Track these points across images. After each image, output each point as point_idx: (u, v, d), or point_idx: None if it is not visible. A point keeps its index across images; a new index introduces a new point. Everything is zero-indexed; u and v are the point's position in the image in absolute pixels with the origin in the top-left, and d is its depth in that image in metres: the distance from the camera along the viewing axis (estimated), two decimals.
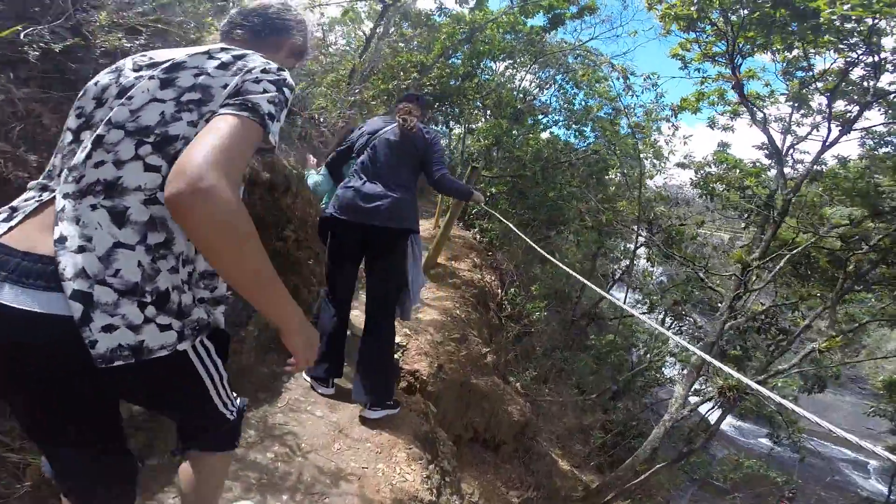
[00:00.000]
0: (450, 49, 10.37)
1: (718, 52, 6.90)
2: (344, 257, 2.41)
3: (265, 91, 0.89)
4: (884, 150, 7.05)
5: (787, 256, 5.61)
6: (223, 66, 0.91)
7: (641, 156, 10.87)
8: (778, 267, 5.62)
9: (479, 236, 10.04)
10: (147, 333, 0.83)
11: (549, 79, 10.15)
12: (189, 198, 0.72)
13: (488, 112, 10.71)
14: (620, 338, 13.94)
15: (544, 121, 10.62)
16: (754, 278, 5.75)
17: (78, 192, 0.84)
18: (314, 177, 3.19)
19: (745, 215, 8.35)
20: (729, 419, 8.39)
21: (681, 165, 9.12)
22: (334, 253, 2.39)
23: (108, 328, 0.80)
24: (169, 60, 0.93)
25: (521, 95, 10.56)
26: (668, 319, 13.63)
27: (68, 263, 0.79)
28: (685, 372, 8.57)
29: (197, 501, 1.19)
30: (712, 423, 6.98)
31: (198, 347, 0.95)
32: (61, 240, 0.80)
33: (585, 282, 2.36)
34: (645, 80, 9.14)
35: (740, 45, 5.65)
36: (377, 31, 8.28)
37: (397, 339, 4.01)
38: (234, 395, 1.15)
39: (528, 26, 9.96)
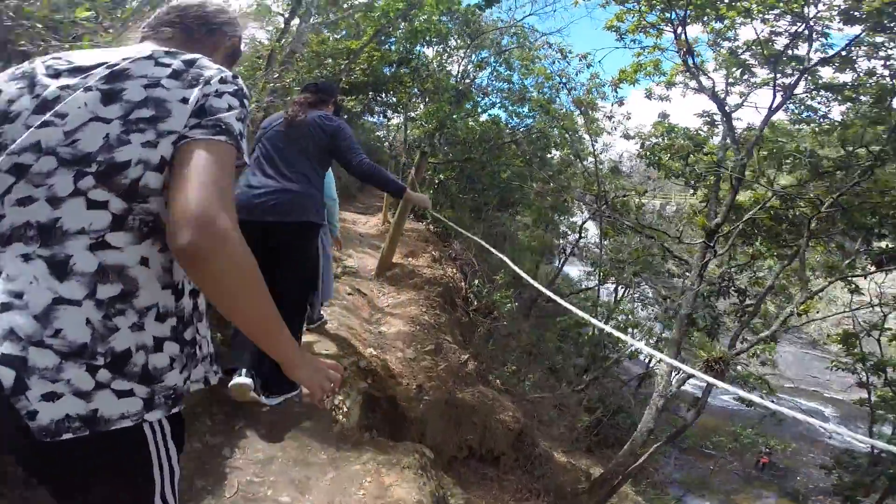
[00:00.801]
0: (382, 33, 9.65)
1: (651, 21, 6.77)
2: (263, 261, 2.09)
3: (230, 108, 0.82)
4: (806, 114, 7.34)
5: (749, 216, 5.64)
6: (176, 74, 0.81)
7: (580, 132, 10.81)
8: (738, 228, 5.64)
9: (432, 227, 9.56)
10: (100, 401, 0.71)
11: (485, 60, 9.72)
12: (207, 245, 0.69)
13: (427, 98, 10.13)
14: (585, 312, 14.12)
15: (484, 102, 10.22)
16: (719, 243, 5.73)
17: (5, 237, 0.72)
18: None
19: (693, 182, 8.43)
20: (694, 381, 8.63)
21: (626, 137, 9.10)
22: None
23: (50, 396, 0.68)
24: (102, 66, 0.81)
25: (460, 77, 10.07)
26: (620, 289, 14.01)
27: None
28: (663, 349, 8.68)
29: None
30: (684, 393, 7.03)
31: (155, 426, 0.79)
32: None
33: (526, 276, 1.96)
34: (581, 59, 8.92)
35: (686, 13, 5.49)
36: (297, 12, 7.39)
37: (362, 364, 3.46)
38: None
39: (462, 6, 9.45)
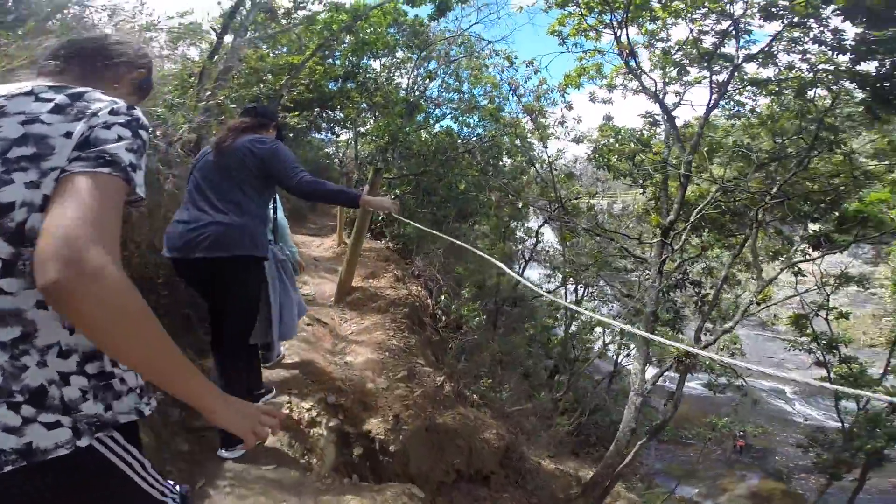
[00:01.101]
0: (326, 47, 9.39)
1: (591, 24, 6.94)
2: (205, 297, 2.18)
3: (120, 138, 0.77)
4: (736, 109, 7.77)
5: (699, 211, 5.82)
6: (58, 109, 0.76)
7: (531, 138, 10.95)
8: (690, 224, 5.82)
9: (391, 244, 9.29)
10: (32, 434, 0.73)
11: (434, 71, 9.67)
12: (73, 284, 0.64)
13: (377, 112, 9.94)
14: (545, 315, 14.29)
15: (435, 113, 10.16)
16: (675, 239, 5.88)
17: None
18: None
19: (641, 180, 8.68)
20: (666, 374, 8.89)
21: (576, 141, 9.29)
22: (201, 296, 2.18)
23: None
24: None
25: (410, 89, 9.95)
26: (580, 289, 14.28)
27: None
28: (633, 348, 8.78)
29: None
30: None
31: (103, 439, 0.81)
32: None
33: (516, 276, 1.83)
34: (528, 66, 9.04)
35: (626, 13, 5.65)
36: (230, 27, 7.01)
37: (331, 400, 3.17)
38: (171, 482, 1.03)
39: (409, 18, 9.36)
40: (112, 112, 0.78)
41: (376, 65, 10.68)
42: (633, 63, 6.19)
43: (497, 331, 10.07)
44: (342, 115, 11.01)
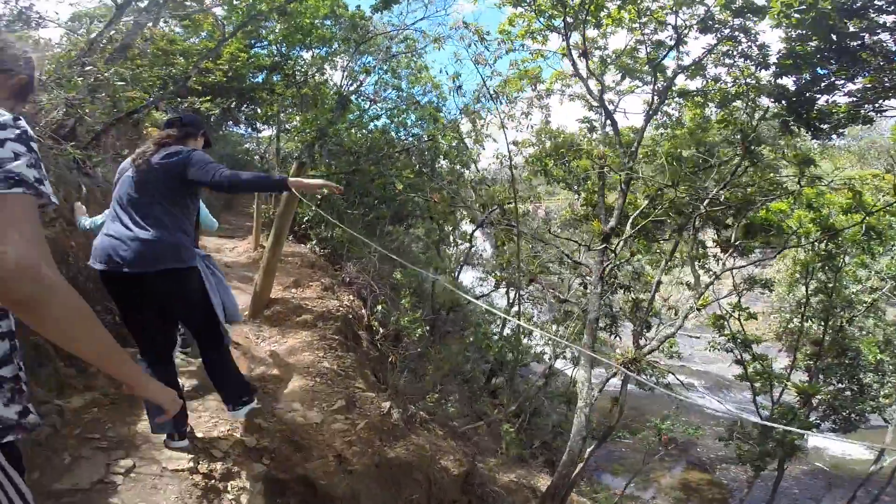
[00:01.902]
0: (252, 32, 8.45)
1: (538, 28, 6.83)
2: (133, 309, 2.16)
3: (17, 155, 0.82)
4: (663, 119, 8.12)
5: (643, 220, 5.89)
6: None
7: (467, 140, 10.74)
8: (636, 229, 5.87)
9: (318, 248, 8.51)
10: None
11: (371, 67, 9.04)
12: (40, 296, 0.76)
13: (305, 107, 9.12)
14: (479, 319, 14.16)
15: (371, 111, 9.55)
16: (618, 245, 5.89)
17: None
18: (83, 222, 2.85)
19: (576, 186, 8.76)
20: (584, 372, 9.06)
21: (514, 144, 9.18)
22: (122, 307, 2.17)
23: None
24: None
25: (344, 84, 9.22)
26: (512, 293, 14.36)
27: None
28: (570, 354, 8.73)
29: None
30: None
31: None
32: None
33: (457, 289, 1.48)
34: (453, 80, 8.66)
35: (585, 14, 5.55)
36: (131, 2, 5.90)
37: (250, 442, 2.55)
38: None
39: (349, 11, 8.66)
40: (2, 127, 0.82)
41: (307, 55, 9.84)
42: (581, 65, 6.13)
43: (436, 339, 9.67)
44: (262, 109, 10.05)
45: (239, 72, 9.12)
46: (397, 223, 10.17)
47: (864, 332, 9.96)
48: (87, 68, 4.52)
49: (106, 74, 4.38)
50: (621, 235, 5.77)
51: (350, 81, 9.23)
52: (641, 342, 6.43)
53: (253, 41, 9.67)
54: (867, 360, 8.99)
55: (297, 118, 8.91)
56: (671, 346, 6.95)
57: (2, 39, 0.99)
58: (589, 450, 5.46)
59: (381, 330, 6.01)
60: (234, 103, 9.74)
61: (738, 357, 7.75)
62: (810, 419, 8.27)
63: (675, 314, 6.58)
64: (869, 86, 5.56)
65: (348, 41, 8.82)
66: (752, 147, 6.20)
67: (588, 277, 7.41)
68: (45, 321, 0.78)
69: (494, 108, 7.34)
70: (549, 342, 10.66)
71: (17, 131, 0.83)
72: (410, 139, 9.33)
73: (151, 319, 2.16)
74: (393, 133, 9.18)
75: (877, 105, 5.78)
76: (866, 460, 10.67)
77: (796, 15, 4.64)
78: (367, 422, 3.06)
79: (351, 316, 5.50)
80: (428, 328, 7.68)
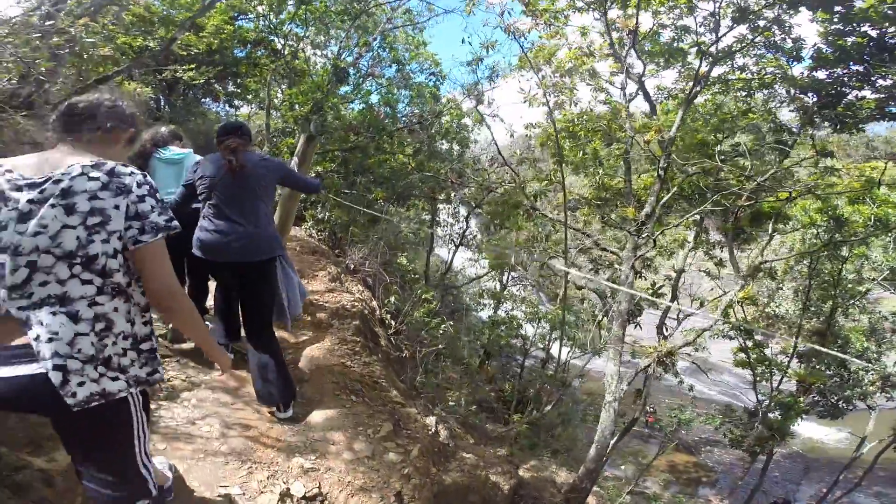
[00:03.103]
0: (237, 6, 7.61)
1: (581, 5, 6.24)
2: (225, 292, 2.81)
3: (153, 208, 1.26)
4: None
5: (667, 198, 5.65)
6: (104, 186, 1.19)
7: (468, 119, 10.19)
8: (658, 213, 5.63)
9: (316, 232, 7.96)
10: (105, 383, 1.24)
11: (369, 41, 8.26)
12: (176, 307, 1.34)
13: (293, 81, 8.36)
14: (473, 302, 13.92)
15: (370, 85, 8.85)
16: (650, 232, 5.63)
17: (32, 305, 1.18)
18: None
19: (594, 168, 8.41)
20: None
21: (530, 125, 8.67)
22: (221, 291, 2.82)
23: (81, 384, 1.20)
24: (48, 181, 1.18)
25: (340, 55, 8.42)
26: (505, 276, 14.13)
27: (44, 349, 1.17)
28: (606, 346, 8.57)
29: None
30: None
31: (136, 395, 1.35)
32: (36, 338, 1.17)
33: None
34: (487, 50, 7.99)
35: None
36: None
37: (298, 491, 2.17)
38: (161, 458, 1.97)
39: None
40: (138, 185, 1.25)
41: (299, 30, 8.95)
42: (629, 44, 5.66)
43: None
44: (246, 84, 9.23)
45: (224, 44, 8.25)
46: (397, 204, 9.66)
47: (851, 320, 10.24)
48: (49, 23, 3.75)
49: (73, 31, 3.64)
50: (653, 222, 5.50)
51: (347, 52, 8.47)
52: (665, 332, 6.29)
53: (237, 15, 8.76)
54: (855, 348, 9.24)
55: (288, 91, 8.14)
56: (701, 339, 6.88)
57: (117, 98, 1.35)
58: (612, 441, 5.35)
59: (393, 324, 5.62)
60: (213, 78, 8.87)
61: (742, 345, 7.77)
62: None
63: (700, 305, 6.45)
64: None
65: (345, 13, 8.04)
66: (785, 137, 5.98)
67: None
68: (176, 317, 1.37)
69: (535, 76, 6.72)
70: (543, 326, 10.59)
71: (148, 187, 1.26)
72: (408, 117, 8.72)
73: (245, 301, 2.60)
74: (391, 109, 8.54)
75: None
76: (844, 446, 11.16)
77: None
78: (419, 447, 2.71)
79: (366, 311, 5.08)
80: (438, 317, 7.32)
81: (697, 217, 7.51)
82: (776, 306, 11.54)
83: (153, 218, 1.23)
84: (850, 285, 8.57)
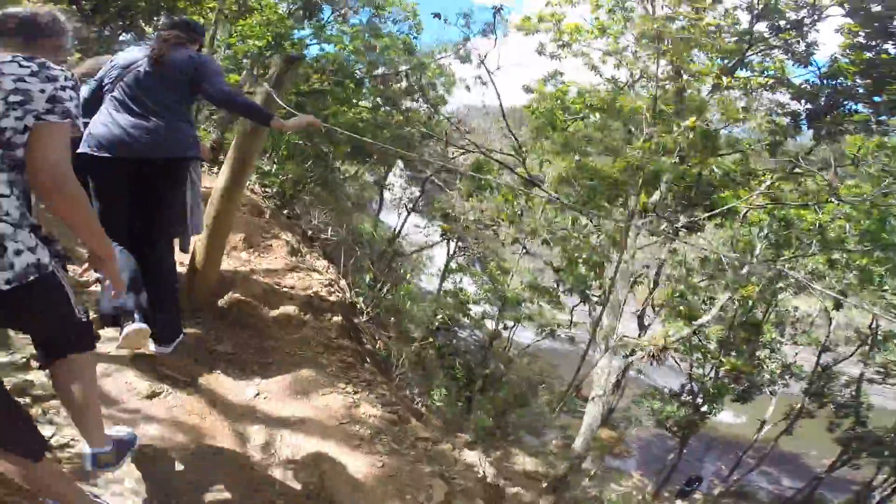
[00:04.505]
0: None
1: None
2: (113, 195, 2.20)
3: (71, 98, 1.27)
4: None
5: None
6: (33, 73, 1.22)
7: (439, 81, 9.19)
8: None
9: (261, 188, 6.66)
10: (40, 253, 1.22)
11: None
12: (59, 194, 1.21)
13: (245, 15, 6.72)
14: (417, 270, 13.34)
15: (341, 27, 7.44)
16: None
17: None
18: None
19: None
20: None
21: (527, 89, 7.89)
22: (101, 193, 2.18)
23: (18, 252, 1.17)
24: None
25: None
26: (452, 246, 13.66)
27: None
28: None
29: (82, 398, 1.46)
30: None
31: (58, 268, 1.33)
32: None
33: None
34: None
35: None
36: None
37: None
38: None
39: None
40: (64, 79, 1.26)
41: None
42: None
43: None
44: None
45: None
46: (356, 160, 8.53)
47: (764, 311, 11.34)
48: None
49: None
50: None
51: None
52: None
53: None
54: (765, 338, 10.25)
55: (240, 23, 6.49)
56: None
57: (53, 13, 1.42)
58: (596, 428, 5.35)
59: (366, 310, 4.81)
60: (139, 11, 6.89)
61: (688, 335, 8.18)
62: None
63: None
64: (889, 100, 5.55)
65: None
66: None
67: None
68: (60, 203, 1.23)
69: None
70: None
71: (73, 83, 1.29)
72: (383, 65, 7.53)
73: (126, 206, 2.21)
74: (364, 55, 7.27)
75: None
76: (739, 428, 12.60)
77: None
78: (466, 494, 2.10)
79: (345, 299, 4.20)
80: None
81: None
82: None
83: (67, 105, 1.26)
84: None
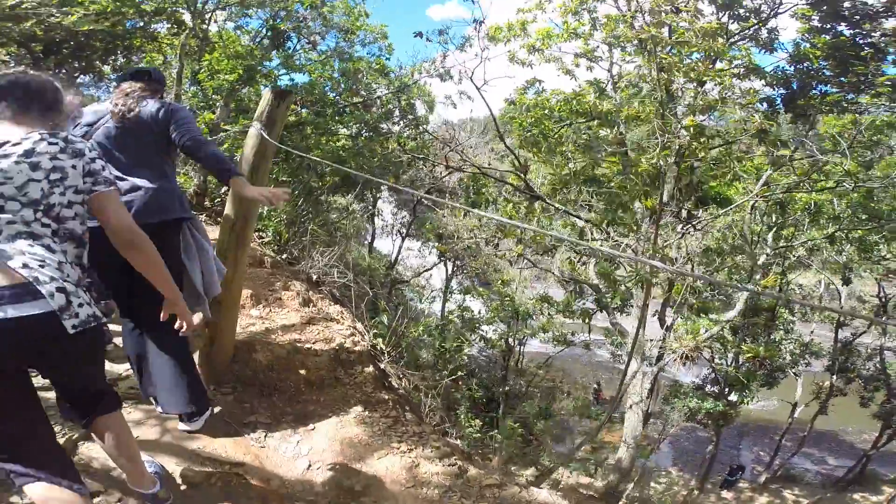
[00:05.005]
0: None
1: None
2: (106, 269, 2.01)
3: (103, 168, 1.43)
4: None
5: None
6: (63, 150, 1.34)
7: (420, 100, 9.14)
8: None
9: (258, 236, 6.40)
10: (95, 308, 1.37)
11: (314, 6, 6.65)
12: (136, 247, 1.46)
13: (209, 49, 6.55)
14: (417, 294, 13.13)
15: (312, 55, 7.29)
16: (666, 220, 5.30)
17: (6, 238, 1.27)
18: None
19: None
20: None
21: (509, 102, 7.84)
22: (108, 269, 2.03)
23: (81, 305, 1.31)
24: (7, 144, 1.30)
25: (276, 14, 6.69)
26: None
27: (39, 274, 1.25)
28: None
29: (127, 450, 1.61)
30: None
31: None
32: (24, 266, 1.24)
33: None
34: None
35: None
36: None
37: None
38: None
39: None
40: (90, 149, 1.42)
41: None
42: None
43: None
44: (144, 61, 7.20)
45: (119, 11, 6.09)
46: (339, 192, 8.32)
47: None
48: None
49: None
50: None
51: (281, 13, 6.81)
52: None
53: None
54: (778, 320, 10.22)
55: (207, 57, 6.29)
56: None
57: (56, 85, 1.49)
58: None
59: (387, 351, 4.56)
60: (97, 53, 6.66)
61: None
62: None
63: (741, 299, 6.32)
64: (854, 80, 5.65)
65: None
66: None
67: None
68: (138, 255, 1.47)
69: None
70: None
71: (96, 153, 1.44)
72: (359, 91, 7.40)
73: (138, 284, 1.85)
74: (339, 83, 7.12)
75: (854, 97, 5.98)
76: (769, 412, 12.44)
77: None
78: None
79: (370, 348, 3.95)
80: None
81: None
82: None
83: (104, 174, 1.41)
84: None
